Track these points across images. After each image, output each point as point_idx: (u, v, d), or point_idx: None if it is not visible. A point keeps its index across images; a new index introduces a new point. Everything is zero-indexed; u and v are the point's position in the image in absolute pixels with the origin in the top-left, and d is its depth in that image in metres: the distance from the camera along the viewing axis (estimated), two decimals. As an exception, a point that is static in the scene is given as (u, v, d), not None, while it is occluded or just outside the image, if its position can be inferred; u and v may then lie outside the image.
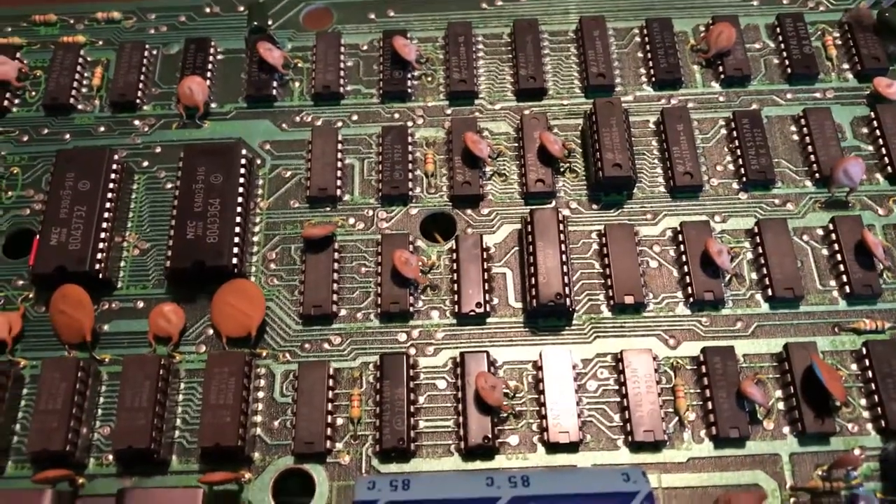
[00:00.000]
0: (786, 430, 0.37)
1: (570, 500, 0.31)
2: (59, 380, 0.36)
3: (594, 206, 0.42)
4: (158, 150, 0.44)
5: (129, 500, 0.34)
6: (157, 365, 0.37)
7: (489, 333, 0.39)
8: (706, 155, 0.43)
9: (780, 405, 0.37)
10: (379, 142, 0.43)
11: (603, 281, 0.40)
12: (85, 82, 0.46)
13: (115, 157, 0.42)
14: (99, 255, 0.39)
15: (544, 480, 0.32)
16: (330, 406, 0.37)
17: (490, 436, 0.36)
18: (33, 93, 0.46)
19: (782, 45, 0.45)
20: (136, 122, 0.45)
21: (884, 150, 0.42)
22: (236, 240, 0.40)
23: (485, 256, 0.40)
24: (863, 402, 0.37)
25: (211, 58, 0.46)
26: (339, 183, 0.42)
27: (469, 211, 0.42)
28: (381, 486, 0.32)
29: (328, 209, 0.42)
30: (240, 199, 0.41)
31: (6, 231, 0.42)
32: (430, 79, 0.46)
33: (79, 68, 0.46)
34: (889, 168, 0.42)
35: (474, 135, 0.42)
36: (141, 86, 0.45)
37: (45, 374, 0.37)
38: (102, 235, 0.40)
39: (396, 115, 0.44)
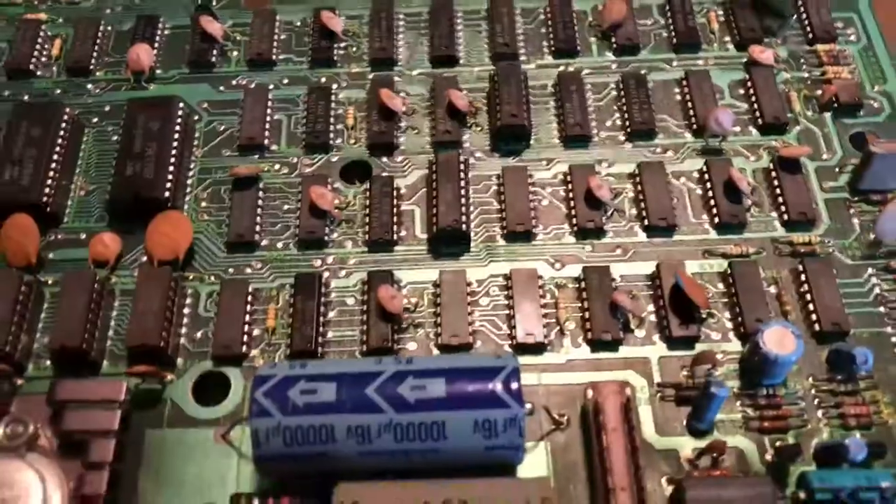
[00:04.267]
0: (655, 337, 0.41)
1: (445, 373, 0.35)
2: (4, 290, 0.41)
3: (495, 154, 0.47)
4: (108, 108, 0.49)
5: (59, 389, 0.38)
6: (92, 280, 0.41)
7: (396, 260, 0.44)
8: (597, 112, 0.48)
9: (652, 318, 0.41)
10: (305, 100, 0.48)
11: (499, 215, 0.44)
12: (45, 53, 0.51)
13: (66, 110, 0.47)
14: (47, 191, 0.44)
15: (425, 360, 0.36)
16: (248, 318, 0.41)
17: (389, 340, 0.40)
18: (-3, 62, 0.51)
19: (670, 20, 0.51)
20: (89, 86, 0.50)
21: (756, 107, 0.47)
22: (170, 177, 0.44)
23: (395, 196, 0.45)
24: (726, 314, 0.41)
25: (159, 32, 0.51)
26: (266, 134, 0.47)
27: (384, 158, 0.47)
28: (282, 365, 0.36)
29: (256, 157, 0.47)
30: (175, 144, 0.45)
31: (-34, 175, 0.47)
32: (354, 49, 0.51)
33: (39, 40, 0.51)
34: (760, 121, 0.47)
35: (389, 91, 0.47)
36: (95, 55, 0.50)
37: (-8, 285, 0.41)
38: (51, 174, 0.45)
39: (323, 80, 0.50)
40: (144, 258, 0.43)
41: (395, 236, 0.44)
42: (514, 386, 0.35)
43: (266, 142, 0.47)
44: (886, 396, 0.39)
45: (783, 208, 0.44)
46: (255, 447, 0.34)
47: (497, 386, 0.35)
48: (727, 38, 0.51)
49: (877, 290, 0.42)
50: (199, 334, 0.41)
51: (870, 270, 0.42)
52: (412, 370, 0.35)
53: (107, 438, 0.37)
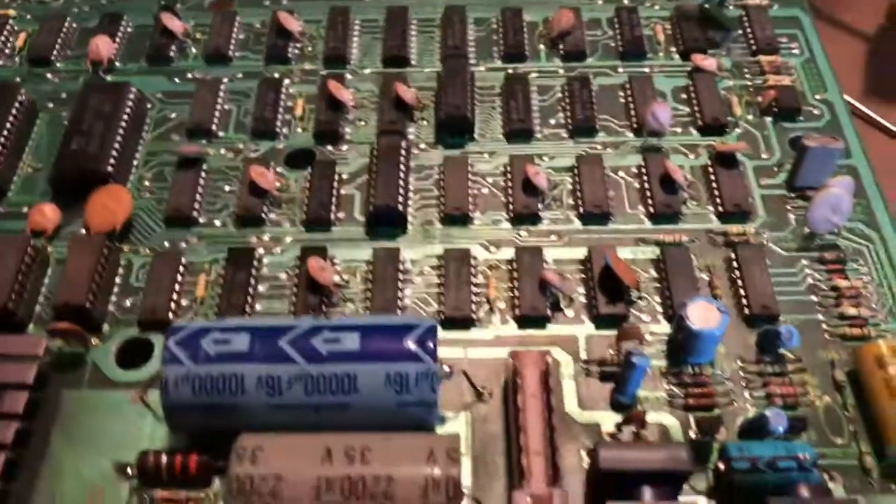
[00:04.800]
0: (584, 317, 0.41)
1: (361, 329, 0.35)
2: (-65, 251, 0.41)
3: (439, 147, 0.47)
4: (64, 95, 0.50)
5: (-22, 342, 0.38)
6: (25, 244, 0.41)
7: (332, 239, 0.44)
8: (541, 112, 0.49)
9: (582, 299, 0.41)
10: (256, 92, 0.49)
11: (437, 201, 0.45)
12: (8, 45, 0.53)
13: (22, 91, 0.48)
14: (-8, 164, 0.45)
15: (345, 319, 0.36)
16: (178, 287, 0.41)
17: (318, 312, 0.40)
18: (-39, 52, 0.53)
19: (617, 31, 0.52)
20: (49, 76, 0.51)
21: (697, 108, 0.48)
22: (114, 153, 0.45)
23: (336, 180, 0.45)
24: (657, 298, 0.41)
25: (122, 29, 0.53)
26: (216, 121, 0.48)
27: (329, 147, 0.47)
28: (199, 321, 0.36)
29: (203, 142, 0.48)
30: (123, 125, 0.46)
31: (-84, 153, 0.48)
32: (310, 49, 0.52)
33: (5, 34, 0.53)
34: (700, 122, 0.48)
35: (338, 83, 0.48)
36: (57, 47, 0.52)
37: (-76, 247, 0.41)
38: (-2, 149, 0.46)
39: (276, 75, 0.51)
40: (83, 231, 0.44)
41: (332, 216, 0.44)
42: (430, 344, 0.34)
43: (214, 128, 0.48)
44: (815, 379, 0.38)
45: (718, 201, 0.44)
46: (165, 395, 0.34)
47: (411, 341, 0.34)
48: (672, 49, 0.52)
49: (809, 281, 0.42)
50: (128, 302, 0.41)
51: (803, 262, 0.42)
52: (328, 325, 0.35)
53: (19, 391, 0.36)
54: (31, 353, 0.37)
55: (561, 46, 0.51)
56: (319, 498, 0.30)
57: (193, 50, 0.52)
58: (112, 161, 0.45)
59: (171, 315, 0.40)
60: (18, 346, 0.38)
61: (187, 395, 0.34)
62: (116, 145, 0.45)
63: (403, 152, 0.45)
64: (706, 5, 0.52)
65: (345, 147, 0.47)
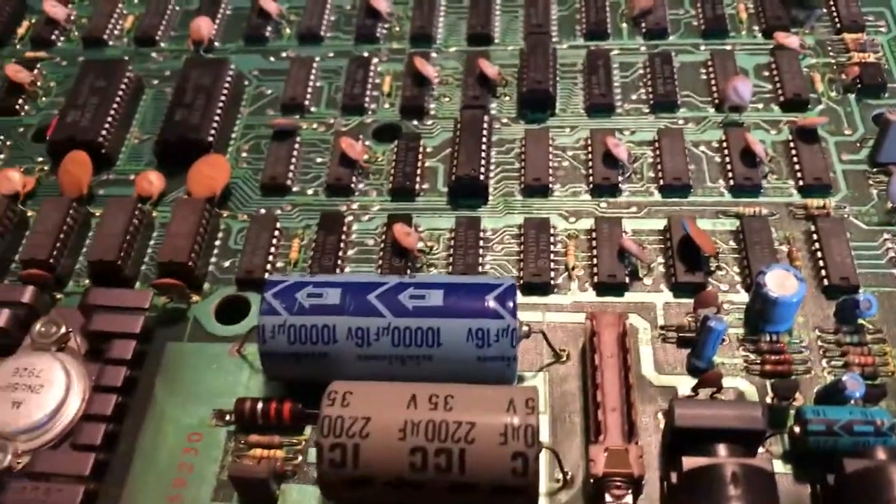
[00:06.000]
0: (662, 286, 0.41)
1: (444, 286, 0.36)
2: (53, 212, 0.44)
3: (520, 122, 0.49)
4: (168, 73, 0.53)
5: (91, 295, 0.40)
6: (133, 205, 0.44)
7: (417, 208, 0.45)
8: (623, 88, 0.50)
9: (661, 269, 0.42)
10: (347, 70, 0.52)
11: (518, 174, 0.46)
12: (118, 27, 0.56)
13: (130, 68, 0.51)
14: (104, 133, 0.48)
15: (430, 276, 0.38)
16: (273, 250, 0.44)
17: (403, 274, 0.42)
18: (76, 33, 0.56)
19: (699, 9, 0.53)
20: (154, 54, 0.54)
21: (778, 85, 0.48)
22: (214, 125, 0.48)
23: (421, 152, 0.47)
24: (735, 269, 0.42)
25: (221, 11, 0.56)
26: (308, 97, 0.50)
27: (415, 122, 0.49)
28: (294, 274, 0.38)
29: (297, 117, 0.50)
30: (223, 98, 0.49)
31: (37, 124, 0.51)
32: (397, 29, 0.54)
33: (115, 16, 0.56)
34: (781, 97, 0.48)
35: (423, 59, 0.50)
36: (161, 28, 0.55)
37: (43, 207, 0.44)
38: (109, 120, 0.49)
39: (366, 54, 0.53)
40: (185, 196, 0.47)
41: (417, 187, 0.46)
42: (510, 302, 0.36)
43: (307, 103, 0.50)
44: (894, 349, 0.38)
45: (799, 175, 0.44)
46: (262, 343, 0.36)
47: (491, 300, 0.36)
48: (755, 27, 0.52)
49: (891, 254, 0.42)
50: (227, 263, 0.44)
51: (885, 235, 0.42)
52: (414, 282, 0.37)
53: (128, 340, 0.39)
54: (138, 306, 0.40)
55: (643, 24, 0.52)
56: (405, 439, 0.32)
57: (288, 30, 0.55)
58: (212, 132, 0.48)
59: (266, 275, 0.43)
60: (127, 298, 0.41)
61: (282, 344, 0.36)
62: (216, 117, 0.48)
63: (486, 126, 0.47)
64: (790, -16, 0.52)
65: (429, 122, 0.49)
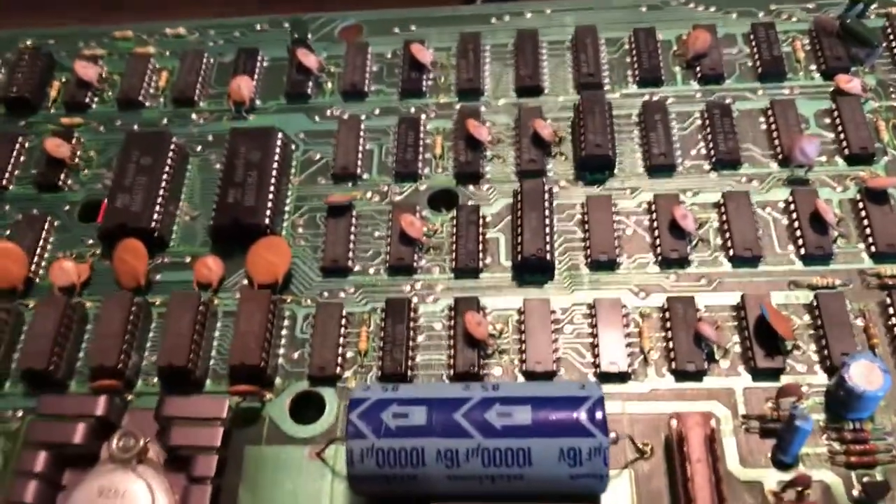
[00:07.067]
0: (740, 368, 0.41)
1: (530, 401, 0.36)
2: (117, 311, 0.43)
3: (579, 183, 0.48)
4: (210, 137, 0.52)
5: (166, 405, 0.40)
6: (197, 300, 0.44)
7: (481, 287, 0.45)
8: (681, 141, 0.49)
9: (737, 349, 0.42)
10: (395, 131, 0.50)
11: (582, 244, 0.45)
12: (153, 84, 0.54)
13: (174, 139, 0.50)
14: (155, 216, 0.47)
15: (511, 387, 0.37)
16: (341, 340, 0.43)
17: (476, 365, 0.42)
18: (110, 93, 0.54)
19: (755, 49, 0.51)
20: (194, 116, 0.53)
21: (842, 136, 0.47)
22: (269, 204, 0.47)
23: (481, 224, 0.46)
24: (812, 346, 0.41)
25: (258, 64, 0.54)
26: (359, 164, 0.49)
27: (470, 187, 0.48)
28: (375, 387, 0.38)
29: (349, 185, 0.49)
30: (274, 173, 0.48)
31: (81, 201, 0.50)
32: (442, 80, 0.53)
33: (148, 73, 0.54)
34: (846, 151, 0.47)
35: (475, 121, 0.49)
36: (199, 87, 0.53)
37: (105, 305, 0.44)
38: (159, 201, 0.47)
39: (412, 109, 0.51)
40: (245, 281, 0.46)
41: (480, 264, 0.45)
42: (599, 415, 0.36)
43: (359, 170, 0.49)
44: (979, 433, 0.39)
45: (870, 240, 0.44)
46: (350, 466, 0.36)
47: (582, 415, 0.36)
48: (813, 67, 0.51)
49: (971, 326, 0.41)
50: (296, 355, 0.43)
51: (965, 306, 0.42)
52: (499, 397, 0.37)
53: (210, 454, 0.39)
54: (216, 416, 0.40)
55: (698, 68, 0.51)
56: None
57: (329, 85, 0.53)
58: (268, 212, 0.46)
59: (338, 369, 0.42)
60: (204, 408, 0.40)
61: (372, 467, 0.36)
62: (270, 195, 0.47)
63: (546, 195, 0.46)
64: (847, 19, 0.51)
65: (485, 187, 0.48)
